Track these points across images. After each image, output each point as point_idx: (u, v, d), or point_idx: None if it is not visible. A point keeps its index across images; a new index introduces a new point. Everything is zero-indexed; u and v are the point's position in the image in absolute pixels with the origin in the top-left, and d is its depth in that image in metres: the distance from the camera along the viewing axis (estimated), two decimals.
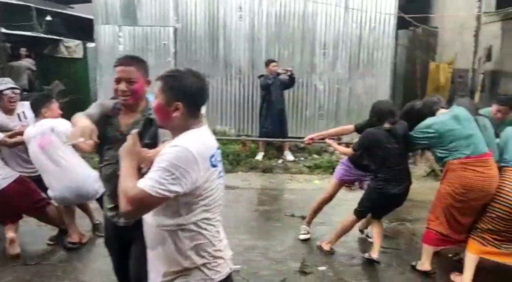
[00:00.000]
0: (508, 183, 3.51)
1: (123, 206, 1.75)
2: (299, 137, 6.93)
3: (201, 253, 1.90)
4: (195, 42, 9.01)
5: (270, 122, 7.66)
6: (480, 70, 9.50)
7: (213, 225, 1.94)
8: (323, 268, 4.07)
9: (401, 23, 11.96)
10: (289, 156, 7.98)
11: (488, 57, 9.22)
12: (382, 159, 3.87)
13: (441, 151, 3.63)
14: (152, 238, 1.94)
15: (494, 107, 4.35)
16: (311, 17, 8.74)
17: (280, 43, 8.88)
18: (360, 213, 4.13)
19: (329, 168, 7.14)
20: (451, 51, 11.61)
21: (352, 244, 4.59)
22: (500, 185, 3.53)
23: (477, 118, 3.77)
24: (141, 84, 2.45)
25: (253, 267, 4.06)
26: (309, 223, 4.73)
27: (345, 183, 4.61)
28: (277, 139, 7.64)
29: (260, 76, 7.84)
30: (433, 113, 3.74)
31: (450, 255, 4.25)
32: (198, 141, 1.85)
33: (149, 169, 1.82)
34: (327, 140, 4.49)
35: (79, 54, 11.06)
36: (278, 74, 7.53)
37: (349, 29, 8.75)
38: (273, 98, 7.63)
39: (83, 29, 11.80)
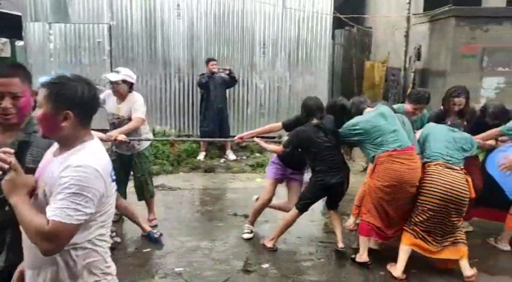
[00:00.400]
0: (431, 176, 3.73)
1: (42, 246, 1.62)
2: None
3: (93, 270, 1.80)
4: (132, 40, 8.75)
5: (210, 121, 7.60)
6: (411, 69, 9.97)
7: (106, 241, 1.84)
8: (266, 265, 4.09)
9: (338, 23, 12.34)
10: (231, 155, 7.96)
11: (418, 56, 9.69)
12: (315, 154, 4.03)
13: (370, 146, 3.84)
14: (35, 259, 1.77)
15: (409, 106, 4.49)
16: (249, 16, 8.77)
17: (219, 41, 8.84)
18: (302, 206, 4.19)
19: None
20: (385, 51, 12.11)
21: (294, 240, 4.65)
22: (424, 179, 3.75)
23: (397, 115, 4.02)
24: (28, 98, 2.11)
25: (196, 268, 4.01)
26: (252, 223, 4.74)
27: (279, 181, 4.64)
28: (206, 139, 7.59)
29: (201, 75, 7.75)
30: (360, 112, 3.97)
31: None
32: (98, 156, 1.76)
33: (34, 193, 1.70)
34: (255, 139, 4.51)
35: (6, 52, 10.43)
36: (213, 73, 7.47)
37: (287, 28, 8.87)
38: (212, 97, 7.57)
39: (10, 27, 11.12)
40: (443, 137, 3.91)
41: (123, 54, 8.76)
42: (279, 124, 4.54)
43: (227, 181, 6.91)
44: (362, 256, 3.95)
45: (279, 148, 4.27)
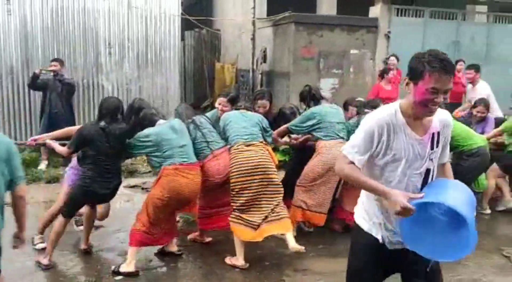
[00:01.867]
0: (234, 158, 4.02)
1: None
2: None
3: None
4: None
5: (44, 127, 6.84)
6: (258, 71, 10.50)
7: None
8: (119, 277, 3.87)
9: (187, 25, 12.39)
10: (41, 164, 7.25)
11: (264, 58, 10.25)
12: (91, 157, 3.86)
13: (157, 159, 3.86)
14: None
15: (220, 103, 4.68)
16: (92, 14, 8.26)
17: (58, 41, 8.14)
18: (67, 212, 3.99)
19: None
20: (234, 53, 12.51)
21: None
22: (231, 162, 4.02)
23: (194, 118, 4.22)
24: None
25: None
26: (41, 232, 4.36)
27: None
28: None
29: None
30: (153, 124, 3.95)
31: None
32: None
33: None
34: (48, 141, 4.14)
35: None
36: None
37: (134, 28, 8.58)
38: (47, 101, 6.88)
39: None
40: (237, 120, 4.23)
41: None
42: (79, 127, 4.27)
43: None
44: (130, 266, 3.80)
45: (64, 149, 3.99)
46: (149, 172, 6.73)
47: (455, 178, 2.36)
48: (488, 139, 5.48)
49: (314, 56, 9.27)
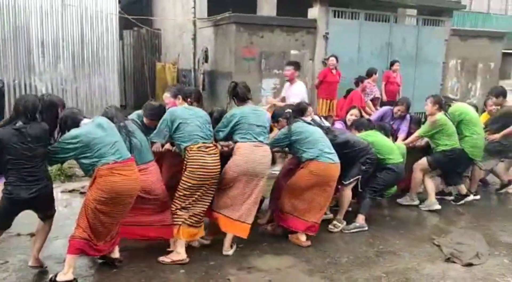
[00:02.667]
0: (196, 161, 3.98)
1: None
2: None
3: None
4: None
5: None
6: (200, 70, 10.45)
7: None
8: None
9: (126, 24, 12.09)
10: None
11: (206, 58, 10.22)
12: (11, 162, 3.55)
13: (88, 160, 3.63)
14: None
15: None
16: (23, 12, 7.86)
17: None
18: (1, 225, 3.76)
19: None
20: (175, 52, 12.38)
21: None
22: (188, 162, 3.99)
23: (126, 123, 4.02)
24: None
25: None
26: None
27: None
28: None
29: None
30: (77, 124, 3.72)
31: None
32: None
33: None
34: None
35: None
36: None
37: (69, 27, 8.28)
38: None
39: None
40: (192, 118, 4.12)
41: None
42: None
43: None
44: (67, 275, 3.65)
45: None
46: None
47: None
48: (407, 144, 5.72)
49: (255, 56, 9.37)
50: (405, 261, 4.25)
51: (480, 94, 12.16)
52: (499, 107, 6.32)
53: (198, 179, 3.98)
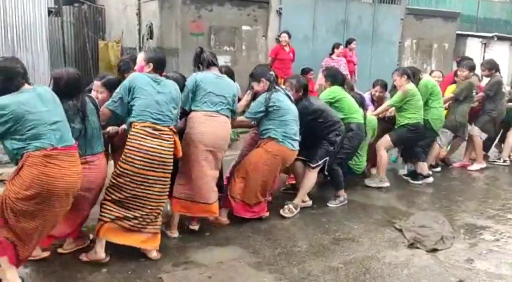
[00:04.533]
0: (138, 144, 3.24)
1: None
2: None
3: None
4: None
5: None
6: (144, 48, 9.65)
7: None
8: None
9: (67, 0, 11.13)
10: None
11: (151, 34, 9.46)
12: None
13: (16, 142, 2.73)
14: None
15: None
16: None
17: None
18: None
19: None
20: (119, 29, 11.49)
21: None
22: (131, 146, 3.24)
23: (81, 97, 3.21)
24: None
25: None
26: None
27: None
28: None
29: None
30: (13, 87, 2.79)
31: None
32: None
33: None
34: None
35: None
36: None
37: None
38: None
39: None
40: (151, 90, 3.37)
41: None
42: None
43: None
44: None
45: None
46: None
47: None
48: (377, 114, 5.51)
49: (204, 31, 8.73)
50: (365, 249, 3.79)
51: None
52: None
53: (135, 165, 3.22)
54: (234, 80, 4.14)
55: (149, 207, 3.33)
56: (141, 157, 3.23)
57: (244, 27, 9.12)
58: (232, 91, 3.89)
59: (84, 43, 11.94)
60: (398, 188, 5.47)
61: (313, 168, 4.47)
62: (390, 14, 10.87)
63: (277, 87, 4.16)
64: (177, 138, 3.44)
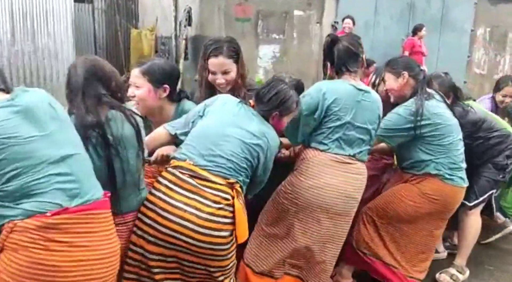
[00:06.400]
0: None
1: None
2: None
3: None
4: None
5: None
6: (182, 36, 8.80)
7: None
8: None
9: None
10: None
11: (189, 21, 8.54)
12: None
13: None
14: None
15: None
16: None
17: None
18: None
19: None
20: (153, 17, 10.78)
21: None
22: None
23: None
24: None
25: None
26: None
27: None
28: None
29: None
30: None
31: None
32: None
33: None
34: None
35: None
36: None
37: None
38: None
39: None
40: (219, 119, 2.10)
41: None
42: None
43: None
44: None
45: None
46: None
47: None
48: None
49: (250, 17, 7.78)
50: None
51: (508, 69, 10.57)
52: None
53: (147, 239, 1.89)
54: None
55: None
56: (153, 225, 1.90)
57: (296, 12, 8.14)
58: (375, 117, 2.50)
59: (116, 31, 11.46)
60: None
61: (471, 207, 3.09)
62: None
63: (429, 91, 2.73)
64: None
